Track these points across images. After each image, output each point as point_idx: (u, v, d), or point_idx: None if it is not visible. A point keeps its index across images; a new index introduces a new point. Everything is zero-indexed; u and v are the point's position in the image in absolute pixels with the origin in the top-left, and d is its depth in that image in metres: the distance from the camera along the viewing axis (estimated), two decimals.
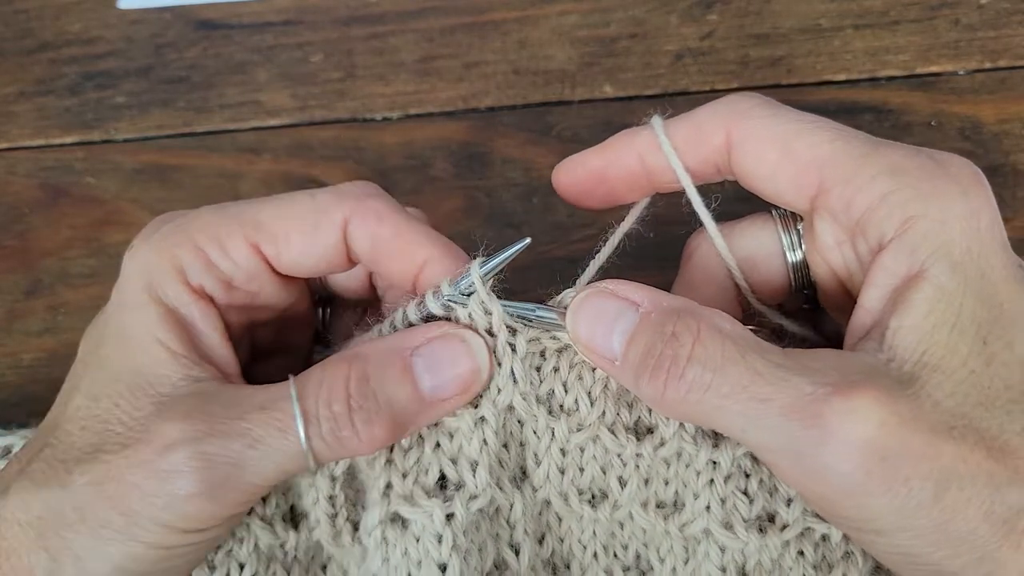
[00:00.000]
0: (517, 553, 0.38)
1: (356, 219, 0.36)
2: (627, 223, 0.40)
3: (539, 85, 0.59)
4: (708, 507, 0.36)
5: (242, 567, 0.36)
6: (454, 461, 0.36)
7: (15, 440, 0.47)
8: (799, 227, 0.38)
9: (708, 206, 0.38)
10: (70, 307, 0.55)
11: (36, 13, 0.65)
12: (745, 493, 0.36)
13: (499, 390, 0.36)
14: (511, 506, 0.37)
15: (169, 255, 0.36)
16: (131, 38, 0.63)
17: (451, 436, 0.36)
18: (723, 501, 0.36)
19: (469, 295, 0.35)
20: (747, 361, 0.31)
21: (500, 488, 0.37)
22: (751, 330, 0.33)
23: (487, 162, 0.57)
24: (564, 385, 0.36)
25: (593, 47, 0.59)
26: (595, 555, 0.38)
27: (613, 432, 0.36)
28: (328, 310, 0.45)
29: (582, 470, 0.37)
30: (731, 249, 0.38)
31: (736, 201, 0.40)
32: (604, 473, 0.37)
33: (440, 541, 0.35)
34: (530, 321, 0.36)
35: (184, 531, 0.33)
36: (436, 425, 0.36)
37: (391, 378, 0.34)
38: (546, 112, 0.58)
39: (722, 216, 0.39)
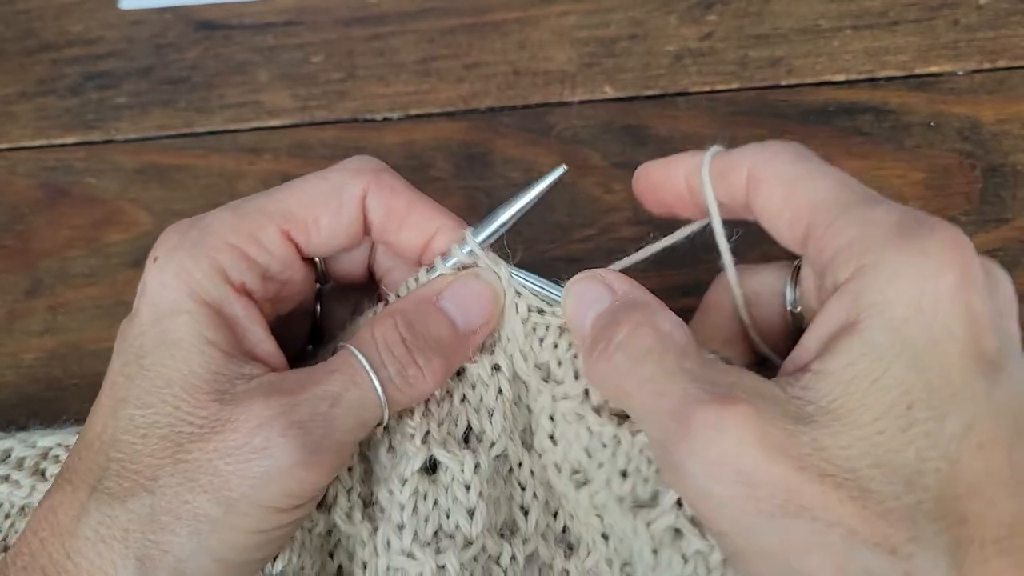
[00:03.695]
0: (526, 515, 0.40)
1: (372, 192, 0.39)
2: (672, 239, 0.42)
3: (539, 85, 0.59)
4: (680, 502, 0.35)
5: (275, 559, 0.37)
6: (477, 411, 0.39)
7: (14, 444, 0.46)
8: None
9: (730, 237, 0.39)
10: (70, 307, 0.55)
11: (37, 13, 0.65)
12: None
13: (508, 339, 0.39)
14: (520, 464, 0.40)
15: (207, 257, 0.36)
16: (132, 38, 0.63)
17: (473, 387, 0.39)
18: None
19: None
20: (663, 360, 0.33)
21: (512, 440, 0.39)
22: (715, 353, 0.36)
23: (487, 162, 0.57)
24: (559, 360, 0.38)
25: (593, 47, 0.60)
26: (594, 540, 0.39)
27: (598, 412, 0.37)
28: (319, 305, 0.46)
29: (571, 445, 0.38)
30: (743, 283, 0.40)
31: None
32: (588, 456, 0.37)
33: (469, 489, 0.38)
34: (533, 292, 0.39)
35: (281, 509, 0.34)
36: (462, 379, 0.39)
37: (432, 321, 0.38)
38: (546, 112, 0.58)
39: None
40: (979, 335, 0.31)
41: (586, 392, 0.38)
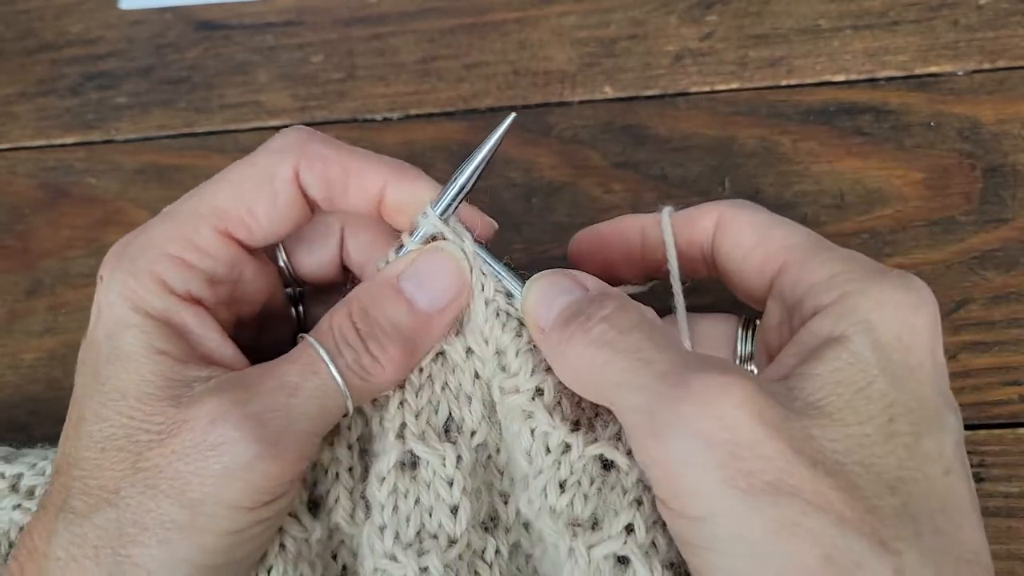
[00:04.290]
0: (506, 503, 0.38)
1: (303, 167, 0.37)
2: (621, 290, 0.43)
3: (539, 85, 0.59)
4: (630, 528, 0.33)
5: (270, 570, 0.36)
6: (456, 398, 0.38)
7: (24, 470, 0.45)
8: (755, 328, 0.41)
9: (683, 283, 0.41)
10: (71, 307, 0.55)
11: (37, 13, 0.65)
12: (665, 533, 0.33)
13: (474, 319, 0.38)
14: (498, 450, 0.38)
15: (147, 271, 0.36)
16: (132, 38, 0.63)
17: (453, 371, 0.38)
18: (647, 528, 0.33)
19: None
20: (652, 333, 0.33)
21: (490, 425, 0.38)
22: None
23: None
24: (517, 351, 0.37)
25: (593, 48, 0.60)
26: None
27: (549, 413, 0.35)
28: (301, 308, 0.45)
29: (512, 445, 0.37)
30: (692, 329, 0.41)
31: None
32: (529, 461, 0.36)
33: (452, 484, 0.36)
34: (497, 276, 0.38)
35: (248, 508, 0.33)
36: (443, 364, 0.38)
37: (387, 304, 0.36)
38: (546, 112, 0.58)
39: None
40: (940, 376, 0.33)
41: (539, 390, 0.36)
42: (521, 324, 0.37)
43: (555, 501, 0.34)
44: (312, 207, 0.38)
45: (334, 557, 0.39)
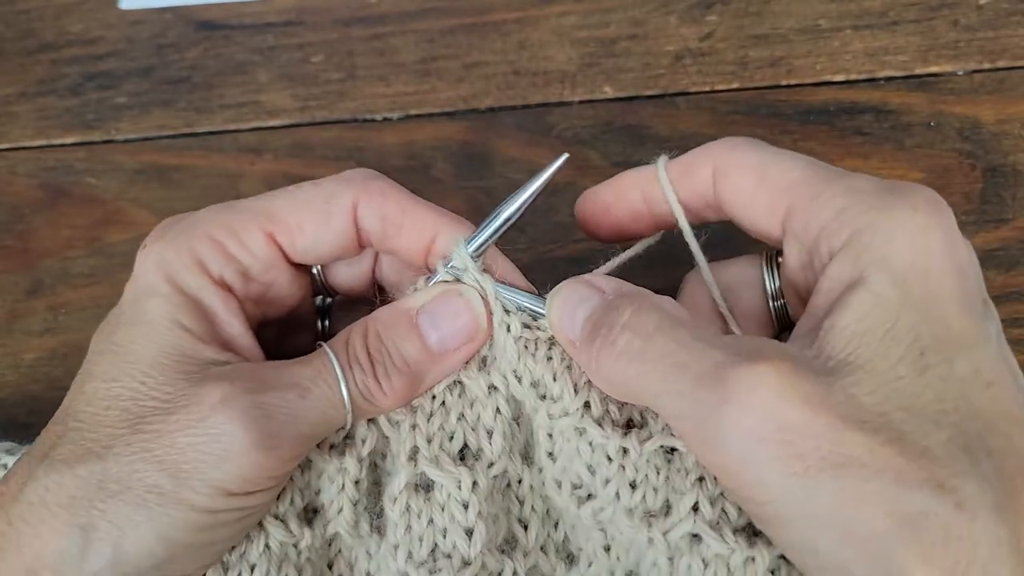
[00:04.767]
0: (526, 529, 0.39)
1: (363, 201, 0.38)
2: (630, 252, 0.42)
3: (539, 85, 0.59)
4: (696, 507, 0.34)
5: (253, 568, 0.36)
6: (474, 429, 0.38)
7: None
8: (779, 262, 0.40)
9: (699, 237, 0.40)
10: (71, 307, 0.55)
11: (37, 13, 0.65)
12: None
13: (500, 359, 0.38)
14: (520, 480, 0.39)
15: (188, 248, 0.37)
16: (132, 38, 0.63)
17: (471, 405, 0.38)
18: (712, 502, 0.34)
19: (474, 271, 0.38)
20: (675, 333, 0.33)
21: (512, 459, 0.38)
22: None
23: (487, 162, 0.57)
24: (554, 374, 0.37)
25: (593, 47, 0.60)
26: (597, 551, 0.38)
27: (600, 424, 0.36)
28: (327, 322, 0.45)
29: (571, 462, 0.37)
30: (717, 280, 0.40)
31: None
32: (592, 473, 0.36)
33: (467, 507, 0.36)
34: (520, 308, 0.38)
35: (231, 493, 0.33)
36: (460, 396, 0.38)
37: (400, 334, 0.37)
38: (546, 112, 0.58)
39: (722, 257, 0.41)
40: (968, 286, 0.33)
41: (586, 405, 0.36)
42: (551, 347, 0.37)
43: (628, 501, 0.35)
44: (362, 243, 0.39)
45: (330, 566, 0.39)
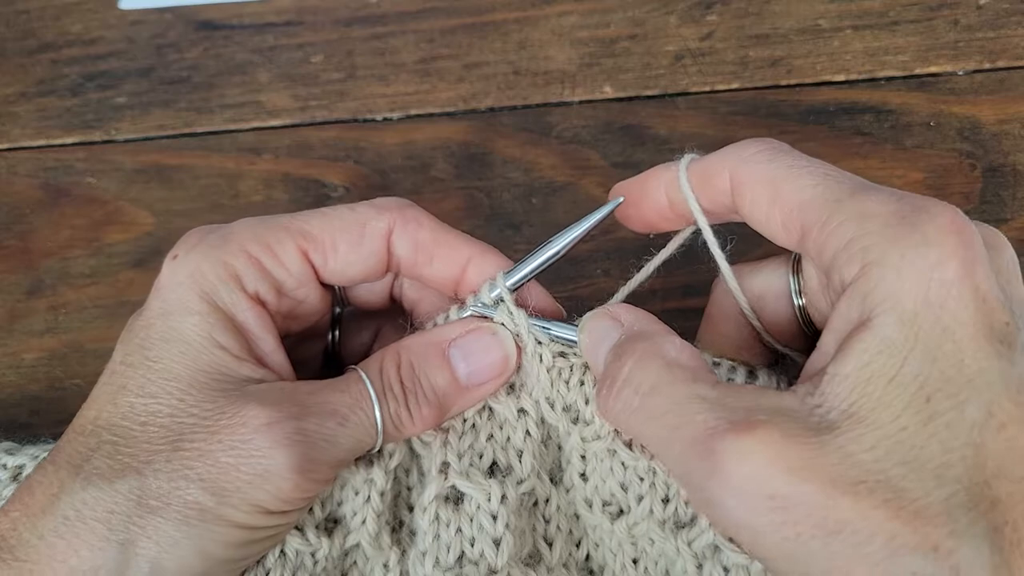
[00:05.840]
0: (551, 546, 0.39)
1: (398, 227, 0.39)
2: (666, 252, 0.42)
3: (539, 85, 0.59)
4: None
5: (268, 574, 0.37)
6: (504, 449, 0.39)
7: (26, 461, 0.44)
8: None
9: (724, 246, 0.39)
10: (71, 307, 0.55)
11: (37, 14, 0.65)
12: None
13: (534, 386, 0.39)
14: (547, 500, 0.40)
15: (223, 263, 0.37)
16: (132, 39, 0.63)
17: (501, 427, 0.40)
18: None
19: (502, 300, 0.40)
20: (673, 391, 0.33)
21: (540, 479, 0.39)
22: (732, 360, 0.36)
23: (487, 162, 0.57)
24: (586, 399, 0.38)
25: (593, 47, 0.60)
26: (624, 566, 0.39)
27: (629, 446, 0.37)
28: (338, 332, 0.46)
29: (604, 481, 0.38)
30: (745, 288, 0.39)
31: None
32: (624, 490, 0.38)
33: (495, 519, 0.37)
34: (551, 339, 0.39)
35: (270, 512, 0.34)
36: (490, 418, 0.40)
37: (432, 366, 0.38)
38: (546, 112, 0.58)
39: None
40: (988, 314, 0.31)
41: (616, 430, 0.38)
42: (584, 372, 0.39)
43: (662, 515, 0.37)
44: (390, 268, 0.40)
45: None
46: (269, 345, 0.38)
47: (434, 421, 0.38)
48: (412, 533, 0.39)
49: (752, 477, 0.30)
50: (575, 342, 0.39)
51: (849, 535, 0.29)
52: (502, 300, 0.39)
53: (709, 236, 0.38)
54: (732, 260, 0.39)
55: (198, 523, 0.33)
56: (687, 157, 0.39)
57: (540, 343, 0.39)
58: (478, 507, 0.38)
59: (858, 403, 0.30)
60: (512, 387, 0.40)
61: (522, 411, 0.39)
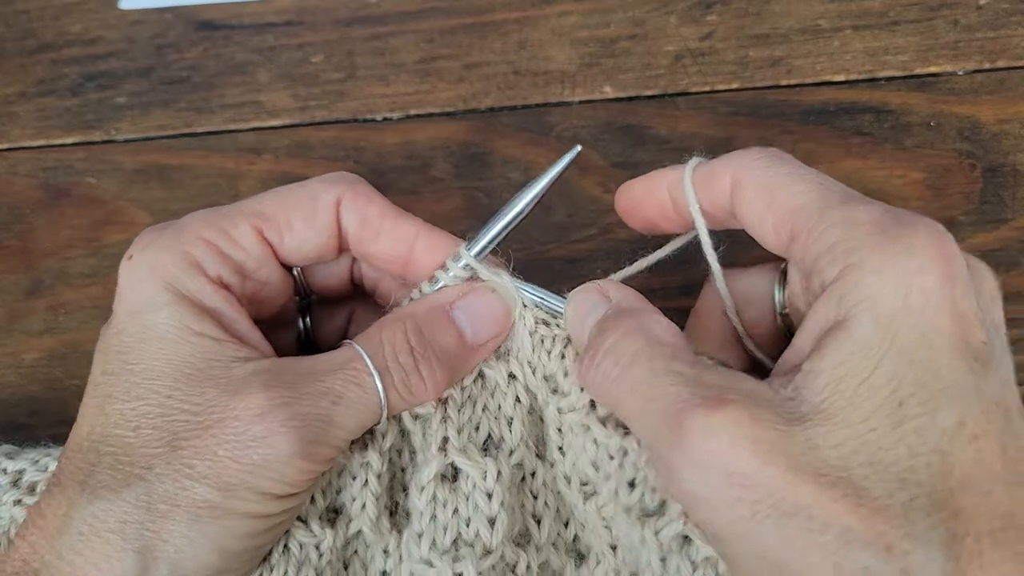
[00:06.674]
0: (539, 524, 0.39)
1: (347, 200, 0.39)
2: (665, 250, 0.42)
3: (539, 85, 0.59)
4: None
5: (273, 569, 0.37)
6: (496, 419, 0.39)
7: (26, 465, 0.44)
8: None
9: (718, 246, 0.40)
10: (71, 307, 0.55)
11: (37, 14, 0.65)
12: None
13: (519, 350, 0.40)
14: (533, 473, 0.40)
15: (181, 252, 0.37)
16: (132, 39, 0.63)
17: (492, 394, 0.40)
18: None
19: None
20: (652, 363, 0.33)
21: (528, 448, 0.39)
22: (712, 358, 0.36)
23: (487, 162, 0.57)
24: (565, 371, 0.38)
25: (593, 47, 0.60)
26: (604, 550, 0.38)
27: (604, 423, 0.37)
28: (308, 319, 0.46)
29: (579, 457, 0.38)
30: (733, 289, 0.40)
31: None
32: (596, 469, 0.37)
33: (491, 497, 0.37)
34: (537, 305, 0.39)
35: (279, 496, 0.34)
36: (483, 387, 0.40)
37: (440, 329, 0.38)
38: (546, 112, 0.58)
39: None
40: (965, 329, 0.31)
41: (592, 403, 0.37)
42: (566, 345, 0.39)
43: (627, 500, 0.36)
44: (342, 246, 0.40)
45: (345, 567, 0.39)
46: (244, 325, 0.38)
47: (446, 384, 0.38)
48: (407, 514, 0.39)
49: (715, 453, 0.30)
50: (560, 312, 0.39)
51: (804, 520, 0.29)
52: (470, 268, 0.39)
53: (704, 235, 0.39)
54: (724, 263, 0.39)
55: (210, 520, 0.33)
56: (694, 160, 0.39)
57: (524, 306, 0.39)
58: (474, 485, 0.37)
59: (829, 400, 0.31)
60: (499, 353, 0.40)
61: (512, 376, 0.40)
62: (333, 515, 0.39)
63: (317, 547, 0.38)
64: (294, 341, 0.45)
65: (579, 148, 0.39)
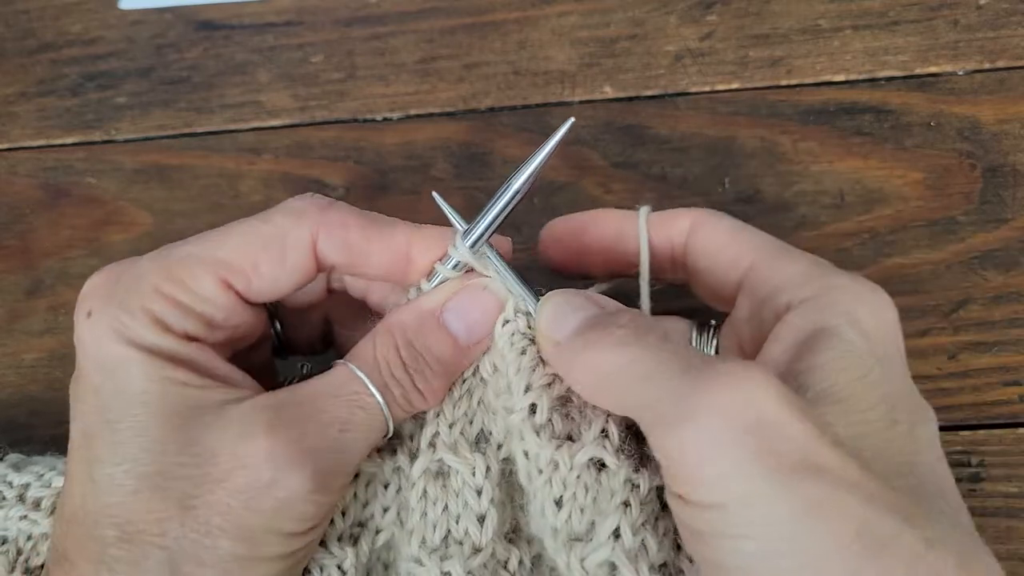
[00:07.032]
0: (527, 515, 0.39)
1: (323, 234, 0.36)
2: (603, 286, 0.44)
3: (539, 85, 0.59)
4: (617, 533, 0.33)
5: None
6: (488, 411, 0.38)
7: (31, 479, 0.43)
8: (711, 335, 0.41)
9: (652, 286, 0.42)
10: (71, 307, 0.55)
11: (37, 14, 0.65)
12: (655, 533, 0.33)
13: (499, 340, 0.38)
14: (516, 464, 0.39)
15: (141, 309, 0.34)
16: (132, 39, 0.63)
17: (485, 386, 0.39)
18: (634, 531, 0.33)
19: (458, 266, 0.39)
20: (672, 339, 0.34)
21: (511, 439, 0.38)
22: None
23: (487, 162, 0.57)
24: (518, 368, 0.37)
25: (593, 47, 0.60)
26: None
27: (538, 433, 0.35)
28: (279, 326, 0.44)
29: (519, 462, 0.37)
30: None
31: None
32: (529, 481, 0.36)
33: (480, 494, 0.36)
34: (517, 296, 0.38)
35: (302, 533, 0.34)
36: (480, 379, 0.39)
37: (432, 338, 0.37)
38: (546, 112, 0.58)
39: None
40: (906, 370, 0.35)
41: (532, 408, 0.36)
42: (528, 344, 0.37)
43: (554, 520, 0.34)
44: (321, 269, 0.37)
45: (368, 574, 0.39)
46: (223, 368, 0.35)
47: (444, 391, 0.38)
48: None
49: (747, 395, 0.28)
50: (530, 313, 0.37)
51: (830, 480, 0.28)
52: (466, 261, 0.37)
53: (644, 268, 0.41)
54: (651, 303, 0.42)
55: (239, 572, 0.32)
56: (645, 207, 0.42)
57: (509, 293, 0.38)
58: (463, 482, 0.37)
59: (835, 387, 0.32)
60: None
61: (495, 367, 0.38)
62: (358, 529, 0.38)
63: (339, 567, 0.36)
64: (268, 348, 0.43)
65: (572, 120, 0.38)
